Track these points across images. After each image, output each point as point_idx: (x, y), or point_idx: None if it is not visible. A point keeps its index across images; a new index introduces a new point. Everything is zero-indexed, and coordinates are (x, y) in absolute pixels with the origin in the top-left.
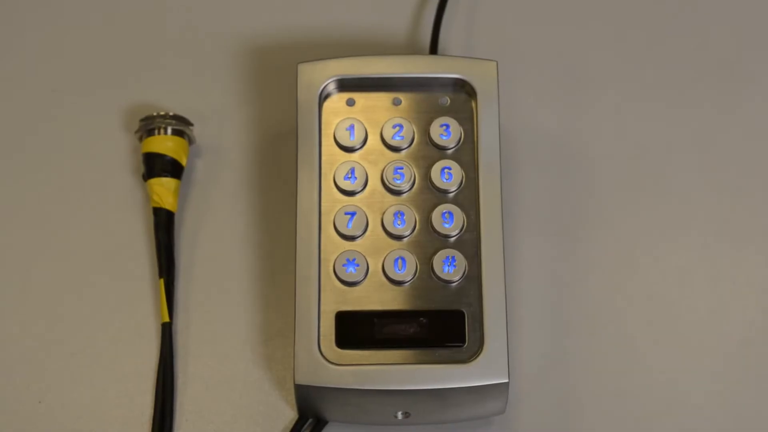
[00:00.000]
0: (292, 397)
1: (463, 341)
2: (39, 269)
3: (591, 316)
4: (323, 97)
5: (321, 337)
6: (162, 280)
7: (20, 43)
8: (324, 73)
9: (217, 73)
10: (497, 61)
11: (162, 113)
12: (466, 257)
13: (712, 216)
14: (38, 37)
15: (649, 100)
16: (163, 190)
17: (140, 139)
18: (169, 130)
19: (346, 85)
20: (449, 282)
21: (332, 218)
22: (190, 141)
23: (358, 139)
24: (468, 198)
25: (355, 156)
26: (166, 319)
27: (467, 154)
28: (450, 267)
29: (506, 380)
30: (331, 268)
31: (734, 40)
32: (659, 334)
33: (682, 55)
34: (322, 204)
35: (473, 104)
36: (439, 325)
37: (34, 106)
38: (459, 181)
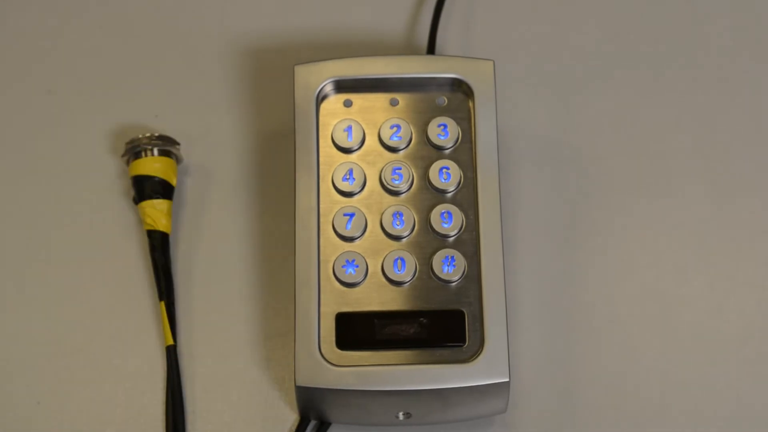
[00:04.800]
0: (291, 398)
1: (464, 341)
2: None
3: (591, 315)
4: (320, 99)
5: (321, 339)
6: (162, 303)
7: (15, 44)
8: (321, 75)
9: (212, 75)
10: (494, 61)
11: (147, 135)
12: (465, 257)
13: (710, 214)
14: (33, 39)
15: (647, 99)
16: (156, 212)
17: (127, 162)
18: (156, 152)
19: (343, 86)
20: (449, 282)
21: (331, 219)
22: (178, 160)
23: (356, 140)
24: (466, 197)
25: (353, 157)
26: (170, 341)
27: (465, 153)
28: (449, 267)
29: (507, 379)
30: (331, 270)
31: (733, 40)
32: (658, 333)
33: (681, 54)
34: (321, 205)
35: (470, 104)
36: (439, 325)
37: (21, 116)
38: (457, 180)
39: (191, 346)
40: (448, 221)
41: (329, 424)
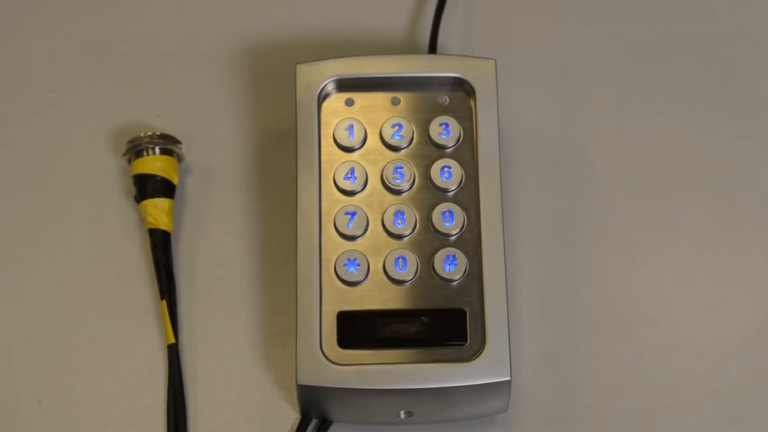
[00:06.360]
0: (292, 397)
1: (465, 340)
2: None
3: (592, 314)
4: (322, 98)
5: (323, 337)
6: (164, 302)
7: (16, 43)
8: (323, 74)
9: (213, 74)
10: (495, 60)
11: (149, 133)
12: (466, 256)
13: (711, 214)
14: (34, 38)
15: (648, 99)
16: (157, 210)
17: (129, 161)
18: (157, 150)
19: (344, 85)
20: (450, 281)
21: (333, 218)
22: (179, 159)
23: (358, 139)
24: (468, 197)
25: (354, 156)
26: (172, 340)
27: (467, 152)
28: (451, 266)
29: (508, 378)
30: (332, 268)
31: (734, 40)
32: (659, 332)
33: (682, 54)
34: (323, 204)
35: (472, 103)
36: (441, 323)
37: (22, 115)
38: (459, 179)
39: (193, 344)
40: (449, 220)
41: (330, 422)
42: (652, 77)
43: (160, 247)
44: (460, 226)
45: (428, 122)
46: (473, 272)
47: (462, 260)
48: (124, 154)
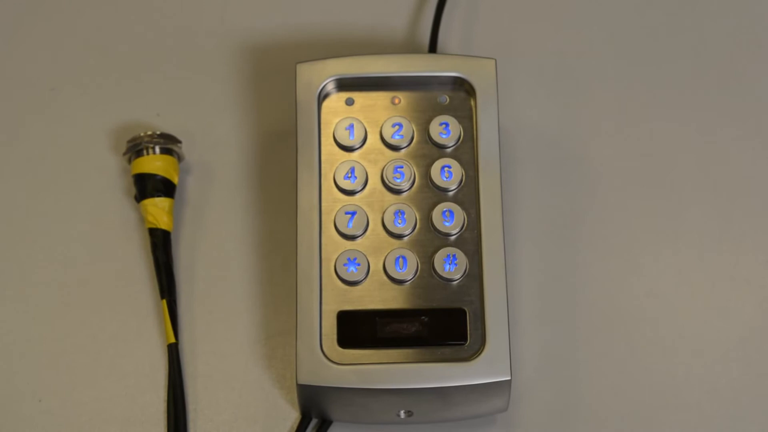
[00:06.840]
0: (292, 396)
1: (465, 339)
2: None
3: (592, 313)
4: (322, 97)
5: (323, 337)
6: (164, 301)
7: (18, 41)
8: (323, 73)
9: (214, 73)
10: (496, 59)
11: (149, 133)
12: (466, 255)
13: (711, 214)
14: (36, 36)
15: (648, 98)
16: (158, 210)
17: (129, 160)
18: (158, 149)
19: (345, 84)
20: (450, 280)
21: (333, 218)
22: (180, 158)
23: (358, 139)
24: (468, 196)
25: (354, 155)
26: (172, 339)
27: (467, 152)
28: (451, 265)
29: (508, 378)
30: (332, 268)
31: (734, 40)
32: (659, 332)
33: (682, 54)
34: (323, 204)
35: (472, 102)
36: (441, 323)
37: (24, 113)
38: (459, 179)
39: (193, 344)
40: (449, 220)
41: (330, 422)
42: (652, 77)
43: (160, 246)
44: (460, 225)
45: (428, 122)
46: (473, 272)
47: (462, 260)
48: (124, 154)
